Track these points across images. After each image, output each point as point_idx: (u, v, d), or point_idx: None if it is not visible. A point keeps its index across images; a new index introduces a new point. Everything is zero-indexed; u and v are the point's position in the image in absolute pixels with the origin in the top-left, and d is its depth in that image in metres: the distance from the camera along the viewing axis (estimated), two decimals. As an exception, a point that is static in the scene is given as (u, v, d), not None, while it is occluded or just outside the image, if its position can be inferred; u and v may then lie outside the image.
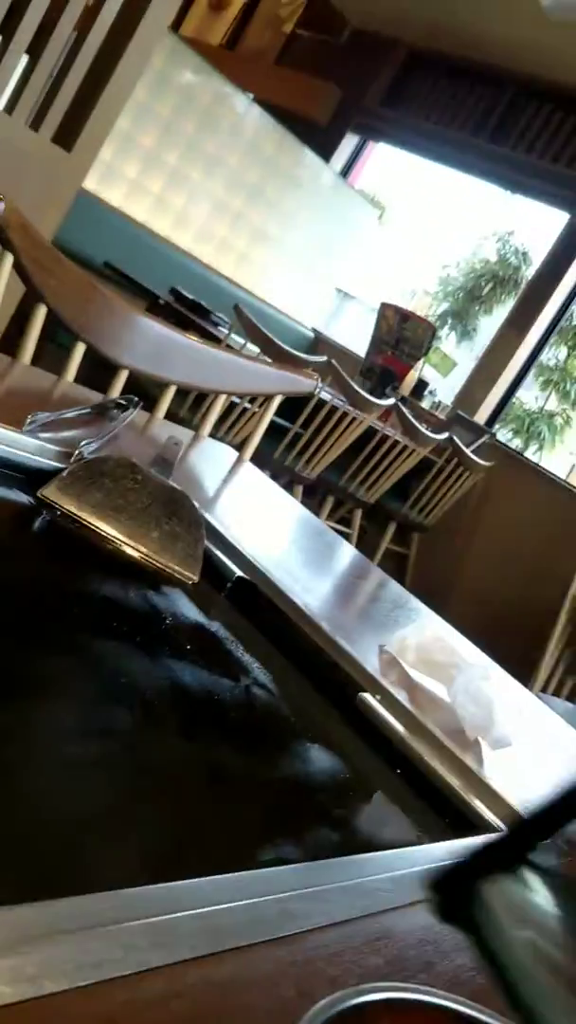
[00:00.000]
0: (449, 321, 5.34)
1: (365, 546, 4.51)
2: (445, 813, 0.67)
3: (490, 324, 5.27)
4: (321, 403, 3.51)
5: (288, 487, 3.96)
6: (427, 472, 4.18)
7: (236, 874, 0.42)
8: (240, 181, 4.81)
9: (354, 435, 3.63)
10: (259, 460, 3.51)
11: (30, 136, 1.91)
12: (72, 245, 3.81)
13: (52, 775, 0.47)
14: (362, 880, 0.47)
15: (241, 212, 4.91)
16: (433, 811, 0.67)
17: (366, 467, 3.89)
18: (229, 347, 3.30)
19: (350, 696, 0.72)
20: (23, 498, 0.76)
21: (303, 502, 3.98)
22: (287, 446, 3.60)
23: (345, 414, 3.54)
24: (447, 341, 5.40)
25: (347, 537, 4.17)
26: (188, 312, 3.68)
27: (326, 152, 5.67)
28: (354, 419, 3.57)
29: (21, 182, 1.93)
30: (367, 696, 0.71)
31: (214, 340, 3.38)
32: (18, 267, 1.05)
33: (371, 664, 0.77)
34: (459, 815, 0.66)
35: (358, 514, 4.17)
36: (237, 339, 3.52)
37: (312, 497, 4.23)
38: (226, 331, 3.49)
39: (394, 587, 1.14)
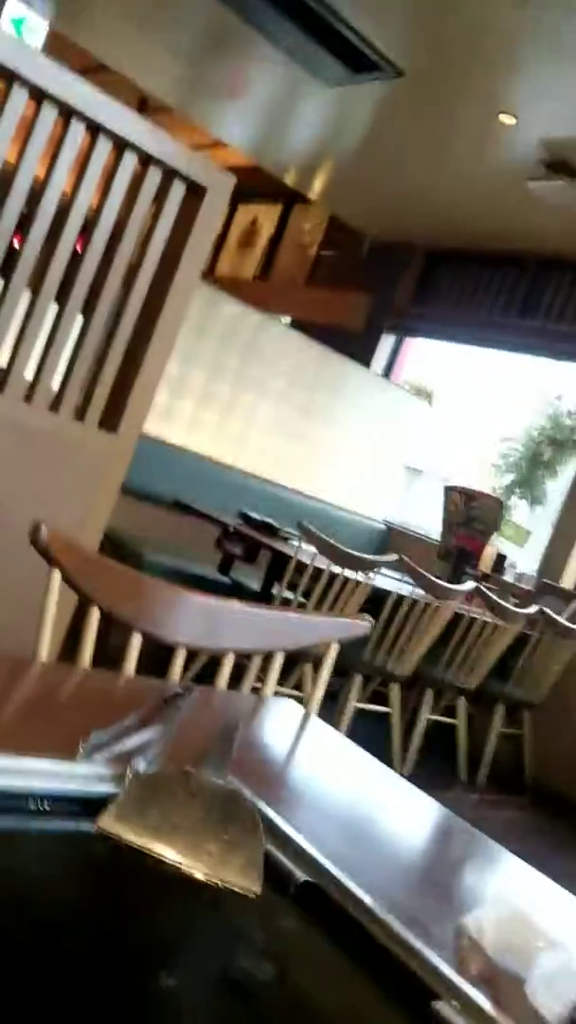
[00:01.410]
0: (517, 491, 5.37)
1: (475, 731, 4.35)
2: None
3: (557, 487, 5.27)
4: (400, 598, 3.52)
5: (383, 686, 3.90)
6: (524, 646, 4.09)
7: None
8: (290, 399, 5.08)
9: (440, 624, 3.60)
10: (348, 662, 3.48)
11: (76, 427, 2.08)
12: (141, 486, 4.03)
13: None
14: None
15: (296, 427, 5.15)
16: None
17: (459, 652, 3.83)
18: (300, 564, 3.37)
19: (424, 1003, 0.68)
20: (82, 828, 0.77)
21: (402, 698, 3.90)
22: (375, 645, 3.58)
23: (428, 604, 3.53)
24: (519, 510, 5.41)
25: (453, 728, 4.04)
26: (257, 533, 3.80)
27: (366, 354, 5.98)
28: (437, 608, 3.55)
29: (72, 471, 2.08)
30: (441, 1005, 0.68)
31: (283, 561, 3.47)
32: (67, 580, 1.13)
33: (448, 953, 0.73)
34: None
35: (462, 702, 4.06)
36: (308, 551, 3.60)
37: (410, 692, 4.15)
38: (296, 544, 3.58)
39: (484, 845, 1.08)
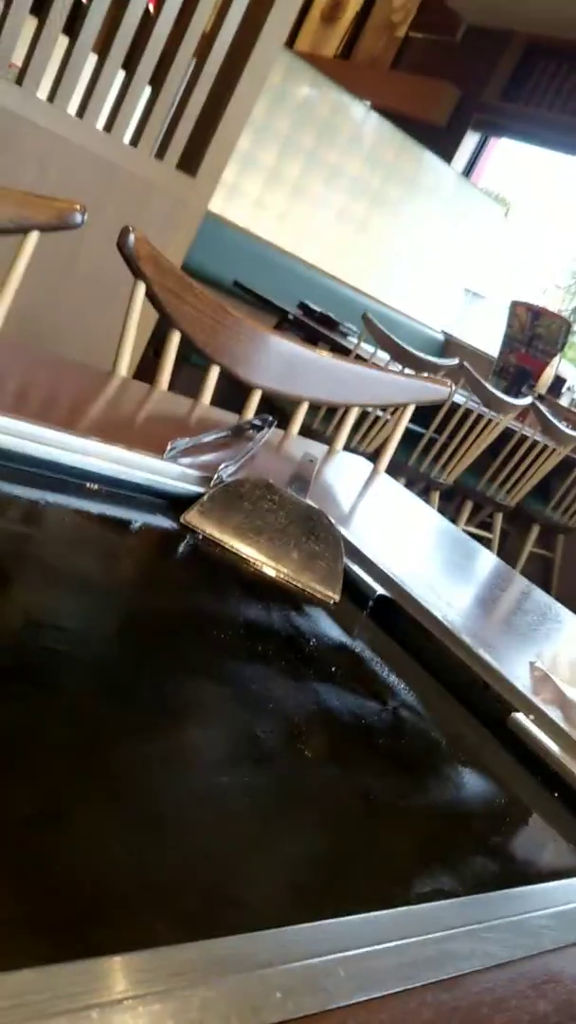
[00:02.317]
0: (585, 314, 5.15)
1: (507, 551, 4.39)
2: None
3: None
4: (455, 406, 3.45)
5: (424, 494, 3.91)
6: (570, 472, 4.04)
7: (393, 911, 0.40)
8: (362, 189, 4.81)
9: (490, 437, 3.55)
10: (393, 467, 3.49)
11: (155, 165, 1.97)
12: (201, 266, 3.90)
13: (199, 805, 0.47)
14: (525, 916, 0.45)
15: (365, 220, 4.90)
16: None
17: (505, 469, 3.80)
18: (359, 358, 3.29)
19: (501, 716, 0.70)
20: (167, 524, 0.77)
21: (440, 508, 3.92)
22: (422, 452, 3.56)
23: (480, 416, 3.47)
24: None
25: (488, 543, 4.07)
26: (317, 325, 3.70)
27: (447, 153, 5.60)
28: (490, 421, 3.49)
29: (149, 210, 1.99)
30: (519, 716, 0.69)
31: (344, 352, 3.39)
32: (151, 296, 1.08)
33: (521, 681, 0.74)
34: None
35: (499, 518, 4.07)
36: (367, 348, 3.51)
37: (450, 502, 4.16)
38: (356, 341, 3.49)
39: (541, 596, 1.10)
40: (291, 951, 0.34)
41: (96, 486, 0.77)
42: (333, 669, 0.70)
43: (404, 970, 0.36)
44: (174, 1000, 0.30)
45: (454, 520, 3.92)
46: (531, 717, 0.68)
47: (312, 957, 0.34)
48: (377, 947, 0.37)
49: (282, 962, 0.33)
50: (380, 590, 0.80)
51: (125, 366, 1.08)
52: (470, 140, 5.91)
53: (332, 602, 0.77)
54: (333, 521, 0.83)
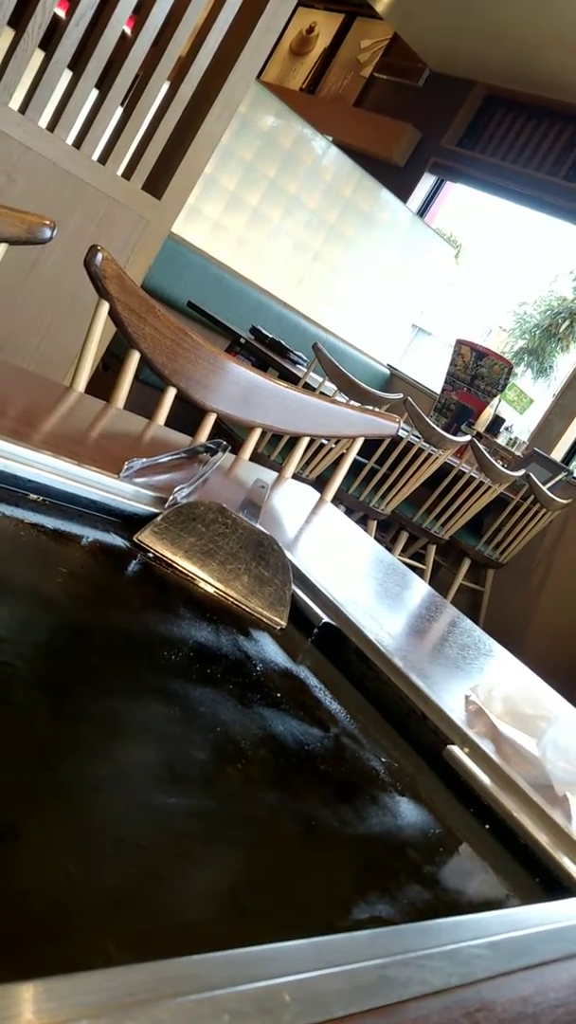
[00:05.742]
0: (525, 358, 5.28)
1: (439, 582, 4.46)
2: (535, 871, 0.65)
3: (567, 361, 5.20)
4: (397, 439, 3.51)
5: (362, 522, 3.96)
6: (503, 509, 4.13)
7: (335, 937, 0.41)
8: (319, 221, 4.88)
9: (429, 471, 3.62)
10: (334, 495, 3.53)
11: (122, 184, 1.98)
12: (157, 285, 3.91)
13: (147, 826, 0.48)
14: (459, 946, 0.46)
15: (320, 251, 4.97)
16: (523, 869, 0.65)
17: (441, 503, 3.87)
18: (307, 386, 3.33)
19: (437, 747, 0.71)
20: (119, 542, 0.78)
21: (376, 538, 3.96)
22: (362, 481, 3.61)
23: (421, 450, 3.53)
24: (524, 378, 5.35)
25: (421, 573, 4.13)
26: (267, 350, 3.73)
27: (404, 192, 5.72)
28: (429, 455, 3.56)
29: (112, 228, 1.99)
30: (455, 748, 0.71)
31: (293, 379, 3.42)
32: (113, 315, 1.09)
33: (457, 714, 0.76)
34: (549, 874, 0.65)
35: (432, 550, 4.14)
36: (315, 376, 3.55)
37: (386, 532, 4.22)
38: (304, 369, 3.52)
39: (474, 630, 1.13)
40: (239, 974, 0.35)
41: (49, 500, 0.77)
42: (278, 695, 0.71)
43: (347, 995, 0.37)
44: (126, 1020, 0.31)
45: (389, 550, 3.98)
46: (466, 750, 0.70)
47: (259, 980, 0.35)
48: (321, 972, 0.38)
49: (231, 984, 0.34)
50: (325, 618, 0.82)
51: (83, 382, 1.08)
52: (426, 182, 6.05)
53: (279, 628, 0.78)
54: (283, 548, 0.84)
